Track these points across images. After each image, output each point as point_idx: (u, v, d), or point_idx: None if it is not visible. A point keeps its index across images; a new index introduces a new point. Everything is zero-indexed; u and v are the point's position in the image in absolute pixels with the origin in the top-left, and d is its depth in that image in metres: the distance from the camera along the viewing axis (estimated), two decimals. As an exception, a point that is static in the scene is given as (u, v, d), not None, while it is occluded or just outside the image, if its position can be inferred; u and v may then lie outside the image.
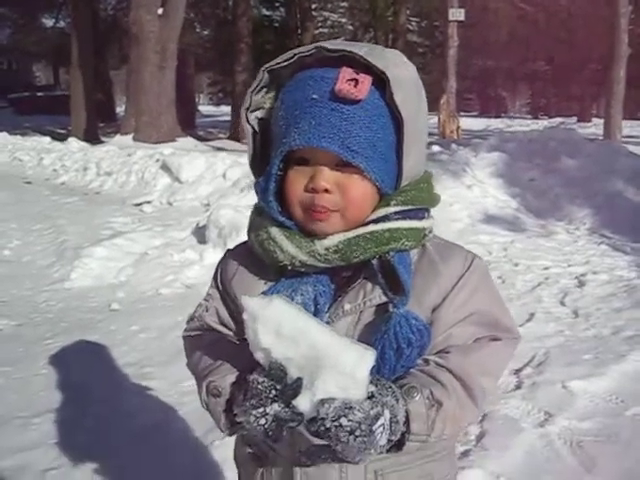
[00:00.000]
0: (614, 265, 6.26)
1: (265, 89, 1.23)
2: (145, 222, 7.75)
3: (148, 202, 8.80)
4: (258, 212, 1.22)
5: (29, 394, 3.68)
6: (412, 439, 1.09)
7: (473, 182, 8.66)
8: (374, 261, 1.15)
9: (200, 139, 18.73)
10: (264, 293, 1.16)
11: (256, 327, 1.01)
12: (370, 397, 1.01)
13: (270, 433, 1.04)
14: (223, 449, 2.92)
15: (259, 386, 1.02)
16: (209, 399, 1.20)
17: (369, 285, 1.18)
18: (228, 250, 1.38)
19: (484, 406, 1.21)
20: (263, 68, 1.19)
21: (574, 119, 35.37)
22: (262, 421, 1.02)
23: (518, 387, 3.65)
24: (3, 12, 35.90)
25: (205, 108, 44.78)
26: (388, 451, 1.08)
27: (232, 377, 1.17)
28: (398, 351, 1.11)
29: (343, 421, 0.97)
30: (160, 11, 16.11)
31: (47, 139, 15.14)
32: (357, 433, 0.97)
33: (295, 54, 1.16)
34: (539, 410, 3.38)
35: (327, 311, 1.18)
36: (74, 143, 13.98)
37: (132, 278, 5.71)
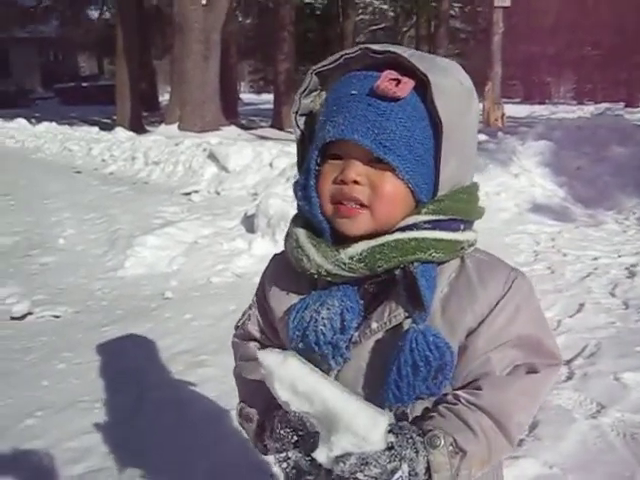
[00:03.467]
0: (666, 255, 6.17)
1: (315, 92, 1.21)
2: (194, 211, 7.88)
3: (196, 191, 8.93)
4: (294, 219, 1.21)
5: (90, 380, 3.81)
6: None
7: (520, 171, 8.58)
8: (397, 271, 1.10)
9: (243, 128, 18.88)
10: (294, 307, 1.15)
11: (273, 383, 1.04)
12: (389, 448, 1.00)
13: (291, 476, 1.07)
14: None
15: (281, 431, 1.06)
16: (242, 421, 1.26)
17: (394, 301, 1.13)
18: (275, 255, 1.35)
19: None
20: (311, 71, 1.18)
21: (621, 104, 34.59)
22: (284, 465, 1.06)
23: (570, 378, 3.65)
24: (50, 5, 36.58)
25: (247, 96, 44.95)
26: None
27: (262, 405, 1.20)
28: (415, 368, 1.06)
29: (360, 476, 0.98)
30: (204, 1, 16.24)
31: (95, 129, 15.46)
32: None
33: (341, 55, 1.15)
34: (591, 401, 3.38)
35: (357, 328, 1.14)
36: (121, 133, 14.23)
37: (184, 267, 5.83)
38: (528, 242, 6.66)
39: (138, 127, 18.90)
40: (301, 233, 1.15)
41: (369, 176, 1.09)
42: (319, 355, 1.12)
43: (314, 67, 1.18)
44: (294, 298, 1.19)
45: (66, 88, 38.36)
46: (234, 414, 3.32)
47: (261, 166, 9.39)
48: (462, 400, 1.11)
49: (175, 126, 16.71)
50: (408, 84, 1.07)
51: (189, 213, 7.67)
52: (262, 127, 20.96)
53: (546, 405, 3.31)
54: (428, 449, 1.03)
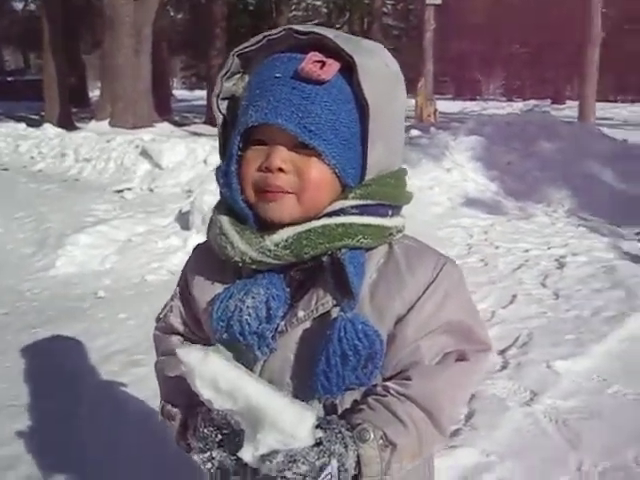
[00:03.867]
0: (592, 247, 6.40)
1: (237, 75, 1.17)
2: (127, 209, 7.72)
3: (129, 189, 8.76)
4: (217, 206, 1.16)
5: (21, 382, 3.68)
6: None
7: (452, 165, 8.75)
8: (325, 258, 1.07)
9: (176, 124, 18.58)
10: (217, 297, 1.11)
11: (194, 380, 1.00)
12: (318, 444, 0.97)
13: (216, 477, 1.05)
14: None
15: (205, 430, 1.02)
16: (164, 419, 1.22)
17: (322, 289, 1.10)
18: (197, 245, 1.30)
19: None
20: (233, 52, 1.14)
21: (548, 101, 35.69)
22: (208, 465, 1.03)
23: (504, 367, 3.75)
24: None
25: (179, 92, 44.40)
26: None
27: (185, 403, 1.17)
28: (344, 357, 1.03)
29: (288, 474, 0.95)
30: (135, -6, 15.91)
31: (22, 125, 14.91)
32: None
33: (264, 36, 1.11)
34: (525, 389, 3.48)
35: (283, 317, 1.11)
36: (50, 129, 13.80)
37: (117, 265, 5.71)
38: (461, 235, 6.80)
39: (67, 123, 18.36)
40: (224, 220, 1.11)
41: (294, 162, 1.05)
42: (244, 345, 1.08)
43: (236, 49, 1.13)
44: (218, 288, 1.15)
45: (-10, 83, 37.07)
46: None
47: (195, 163, 9.29)
48: (391, 391, 1.09)
49: (106, 122, 16.30)
50: (333, 66, 1.04)
51: (122, 211, 7.51)
52: (195, 123, 20.63)
53: (481, 394, 3.39)
54: (357, 443, 1.01)
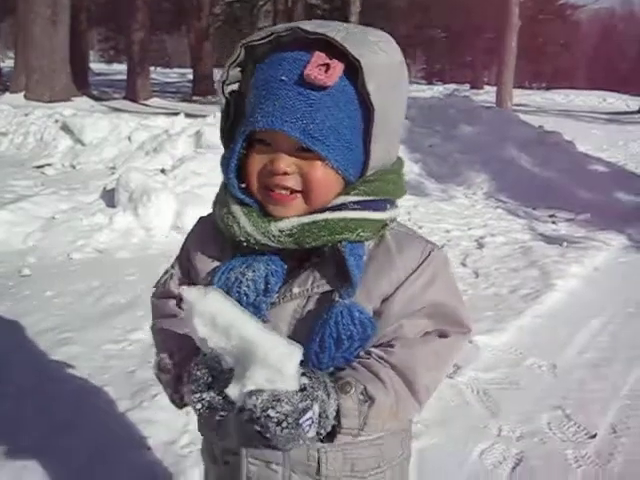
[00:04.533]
0: (509, 228, 6.71)
1: (240, 65, 1.20)
2: (49, 185, 7.51)
3: (49, 165, 8.50)
4: (224, 186, 1.21)
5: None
6: (343, 432, 1.09)
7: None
8: (326, 249, 1.14)
9: (95, 99, 18.04)
10: (219, 268, 1.18)
11: (193, 318, 1.03)
12: (302, 389, 1.01)
13: (205, 416, 1.08)
14: (152, 410, 3.01)
15: (197, 372, 1.05)
16: (160, 373, 1.25)
17: (319, 272, 1.16)
18: (200, 218, 1.36)
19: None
20: (240, 44, 1.17)
21: (467, 86, 36.52)
22: (198, 405, 1.06)
23: (428, 342, 3.91)
24: None
25: (97, 66, 42.91)
26: (321, 442, 1.10)
27: (180, 357, 1.20)
28: (338, 341, 1.10)
29: (271, 412, 0.98)
30: (51, -39, 15.30)
31: None
32: (284, 425, 0.98)
33: (272, 32, 1.13)
34: (448, 362, 3.65)
35: (277, 291, 1.17)
36: (-39, 101, 13.18)
37: (41, 243, 5.58)
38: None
39: (-22, 95, 17.58)
40: (233, 200, 1.16)
41: (298, 165, 1.10)
42: None
43: (244, 41, 1.16)
44: (218, 260, 1.22)
45: None
46: (107, 390, 3.26)
47: (119, 139, 9.09)
48: (374, 355, 1.15)
49: (21, 95, 15.71)
50: (337, 69, 1.07)
51: (43, 187, 7.31)
52: (115, 99, 20.12)
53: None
54: (339, 394, 1.07)
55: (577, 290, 5.03)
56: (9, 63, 28.41)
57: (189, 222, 2.25)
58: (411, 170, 8.65)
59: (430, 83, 42.35)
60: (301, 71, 1.07)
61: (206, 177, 6.51)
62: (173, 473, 2.66)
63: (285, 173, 1.10)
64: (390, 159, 1.21)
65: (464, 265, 5.46)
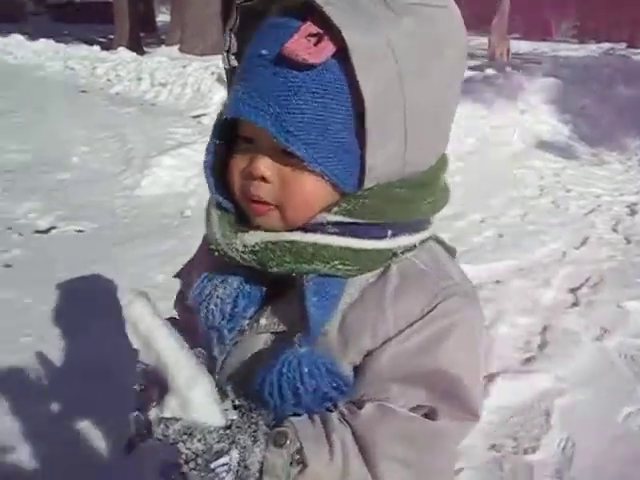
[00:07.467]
0: (665, 195, 6.39)
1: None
2: (205, 134, 7.88)
3: (205, 115, 8.95)
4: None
5: (112, 293, 3.83)
6: None
7: (526, 107, 8.67)
8: (298, 278, 0.88)
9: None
10: (202, 274, 0.99)
11: (127, 326, 0.90)
12: (227, 427, 0.83)
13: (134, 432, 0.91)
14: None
15: (135, 386, 0.93)
16: None
17: (288, 304, 0.92)
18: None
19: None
20: (235, 5, 0.91)
21: (623, 45, 34.26)
22: (131, 425, 0.90)
23: (575, 304, 3.90)
24: None
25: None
26: None
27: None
28: (281, 395, 0.87)
29: (180, 446, 0.82)
30: None
31: (96, 48, 15.18)
32: (191, 465, 0.81)
33: None
34: (595, 326, 3.64)
35: (249, 319, 0.96)
36: (125, 53, 14.03)
37: (199, 188, 5.95)
38: (533, 177, 6.84)
39: (137, 48, 18.55)
40: (212, 200, 0.97)
41: (279, 170, 0.87)
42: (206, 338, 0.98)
43: (239, 1, 0.90)
44: (209, 267, 1.00)
45: (59, 4, 37.40)
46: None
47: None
48: (339, 409, 0.90)
49: (176, 48, 16.48)
50: (328, 47, 0.79)
51: (200, 136, 7.72)
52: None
53: (553, 327, 3.57)
54: (269, 444, 0.83)
55: None
56: (162, 18, 29.68)
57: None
58: (561, 132, 8.38)
59: (582, 42, 40.09)
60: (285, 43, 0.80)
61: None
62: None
63: (263, 178, 0.87)
64: (417, 167, 0.90)
65: (615, 231, 5.31)
